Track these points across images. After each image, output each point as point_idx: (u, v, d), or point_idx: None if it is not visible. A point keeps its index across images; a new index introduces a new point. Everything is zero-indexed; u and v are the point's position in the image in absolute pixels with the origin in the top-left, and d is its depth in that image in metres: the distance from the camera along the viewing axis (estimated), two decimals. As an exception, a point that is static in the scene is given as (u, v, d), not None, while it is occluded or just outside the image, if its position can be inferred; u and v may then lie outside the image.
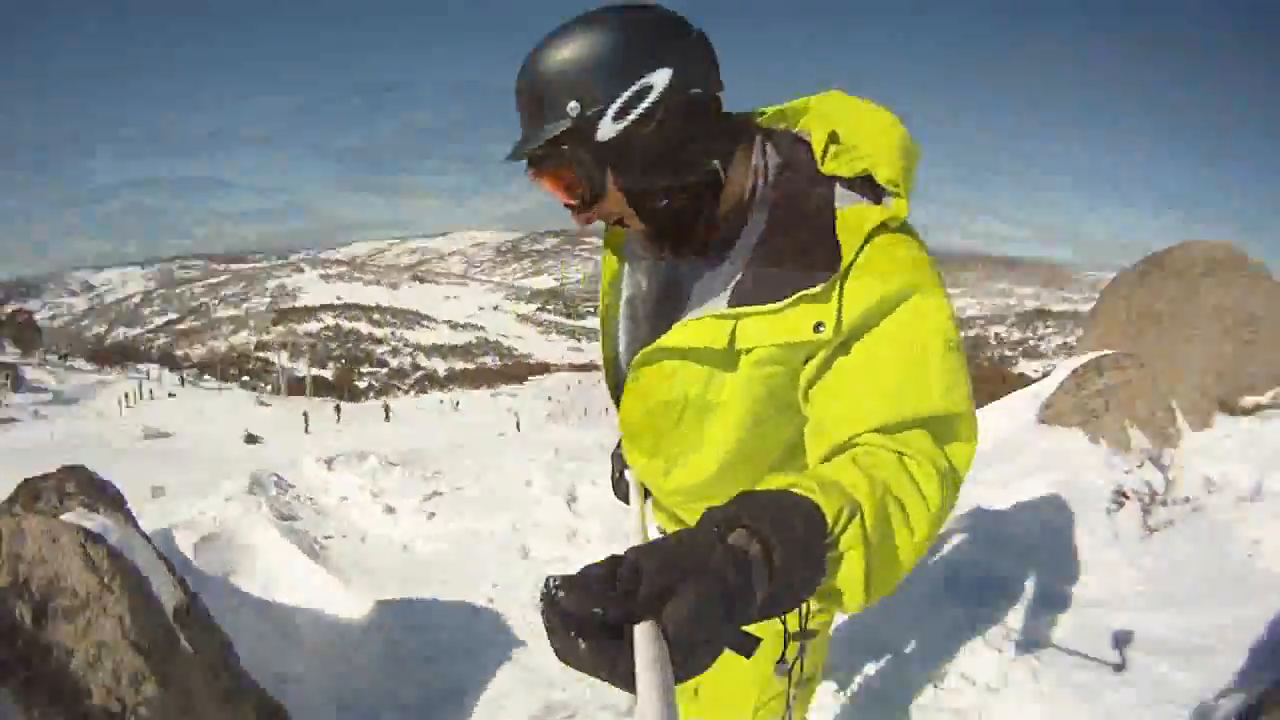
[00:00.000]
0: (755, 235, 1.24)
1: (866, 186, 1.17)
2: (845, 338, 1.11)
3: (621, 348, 1.52)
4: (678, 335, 1.26)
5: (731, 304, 1.21)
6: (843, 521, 0.81)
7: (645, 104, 1.15)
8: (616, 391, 1.52)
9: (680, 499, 1.53)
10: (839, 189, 1.19)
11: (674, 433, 1.36)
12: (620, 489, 1.55)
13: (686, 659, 0.62)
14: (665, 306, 1.38)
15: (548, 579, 0.64)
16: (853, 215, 1.14)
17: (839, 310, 1.10)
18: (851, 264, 1.10)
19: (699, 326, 1.23)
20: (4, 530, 2.23)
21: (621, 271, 1.52)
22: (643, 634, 0.62)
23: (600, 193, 1.22)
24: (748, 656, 0.72)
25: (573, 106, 1.14)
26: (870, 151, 1.16)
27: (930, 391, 1.06)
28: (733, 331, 1.18)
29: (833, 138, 1.21)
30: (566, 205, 1.27)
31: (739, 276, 1.23)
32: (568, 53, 1.14)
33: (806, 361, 1.16)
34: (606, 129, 1.15)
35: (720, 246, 1.28)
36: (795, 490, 0.81)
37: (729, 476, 1.37)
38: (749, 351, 1.20)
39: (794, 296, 1.11)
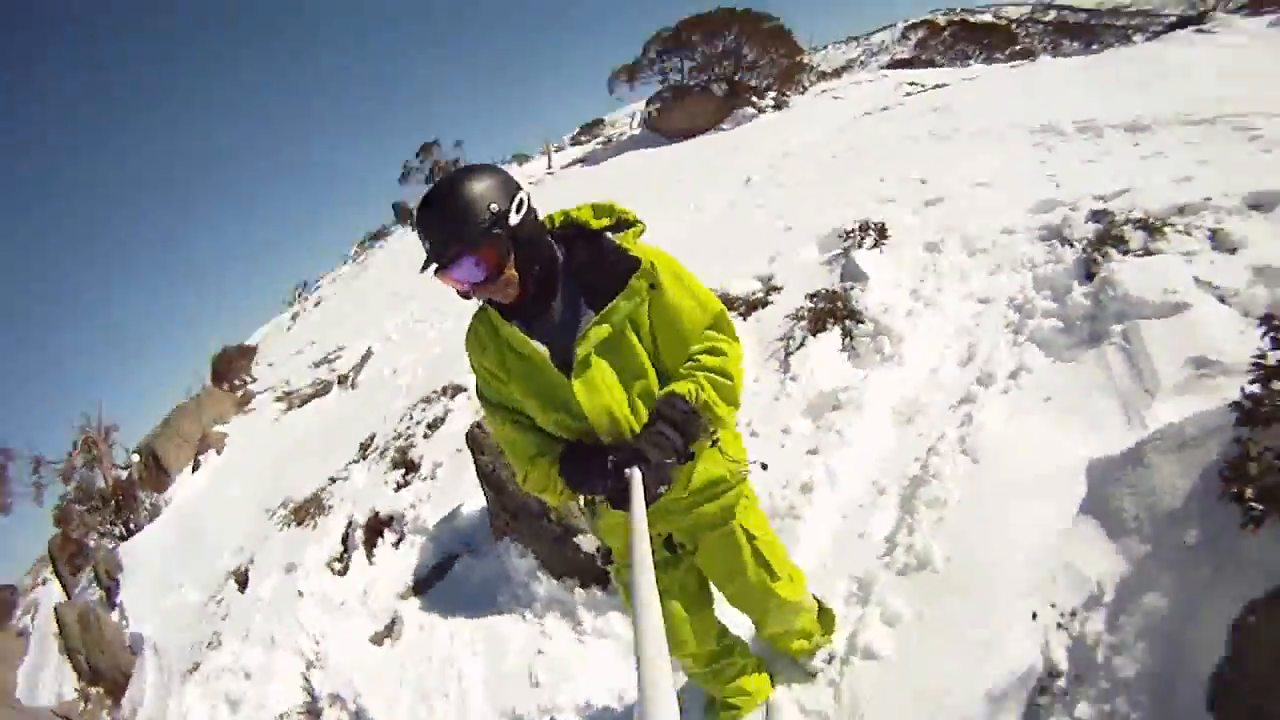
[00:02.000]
0: (576, 278, 2.15)
1: (616, 225, 2.17)
2: (654, 296, 2.07)
3: (551, 381, 2.18)
4: (589, 340, 2.06)
5: (598, 310, 2.07)
6: (695, 392, 2.00)
7: (525, 206, 2.02)
8: (565, 410, 2.18)
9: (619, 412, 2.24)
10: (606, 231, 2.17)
11: (626, 372, 2.12)
12: (618, 488, 1.88)
13: (654, 482, 1.88)
14: (557, 343, 2.12)
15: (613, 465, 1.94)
16: (625, 235, 2.13)
17: (653, 273, 2.05)
18: (642, 262, 2.05)
19: (597, 329, 2.05)
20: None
21: (499, 362, 2.21)
22: (634, 474, 1.83)
23: (505, 264, 2.00)
24: (670, 484, 1.98)
25: (491, 209, 1.93)
26: (619, 212, 2.18)
27: (704, 308, 2.14)
28: (610, 316, 2.05)
29: (596, 212, 2.19)
30: (476, 285, 2.02)
31: (583, 300, 2.12)
32: (473, 185, 1.95)
33: (638, 319, 2.09)
34: (513, 219, 1.98)
35: (554, 293, 2.15)
36: (673, 389, 2.03)
37: (637, 384, 2.16)
38: (623, 322, 2.06)
39: (632, 282, 2.03)
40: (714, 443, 2.22)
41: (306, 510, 8.96)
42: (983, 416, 3.99)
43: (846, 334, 5.29)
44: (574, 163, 28.42)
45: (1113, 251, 4.70)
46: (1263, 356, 2.33)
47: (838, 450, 4.26)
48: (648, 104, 27.97)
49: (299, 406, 15.50)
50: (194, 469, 15.61)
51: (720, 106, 25.22)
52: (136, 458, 17.69)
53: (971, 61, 22.74)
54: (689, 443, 1.94)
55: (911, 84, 19.74)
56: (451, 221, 1.94)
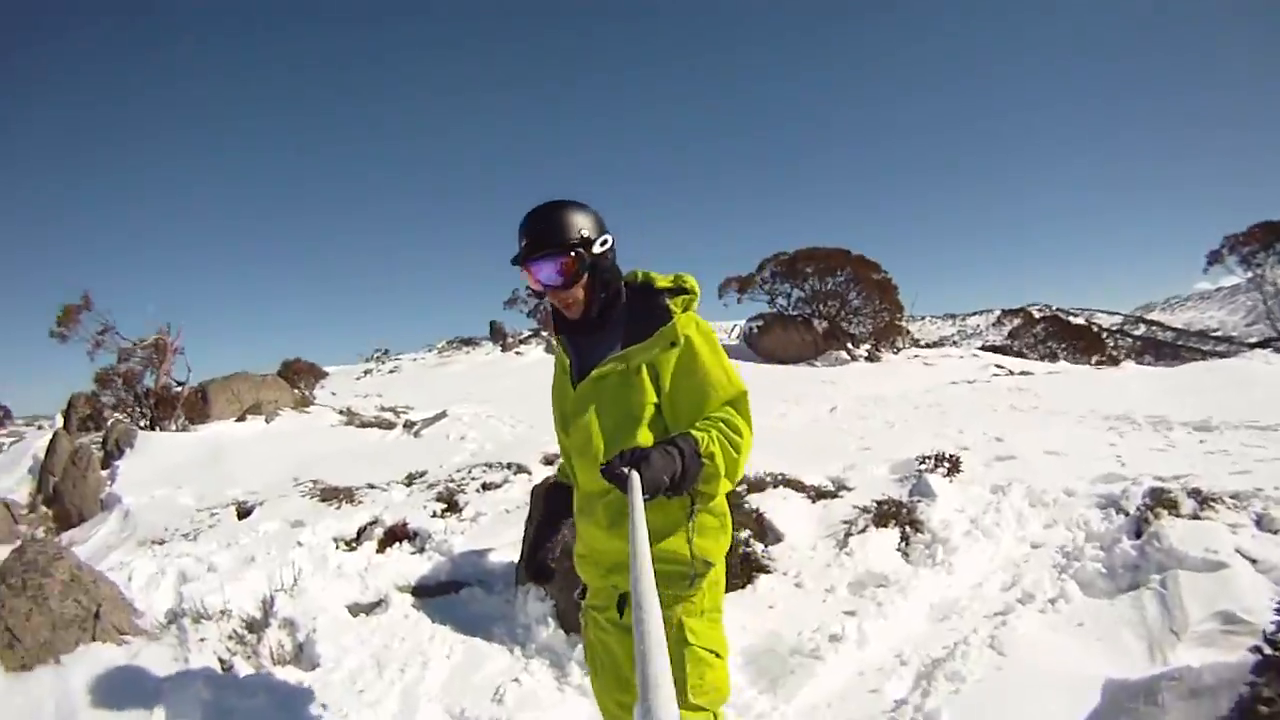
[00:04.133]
0: (624, 320, 2.36)
1: (677, 289, 2.37)
2: (681, 357, 2.22)
3: (566, 400, 2.48)
4: (603, 368, 2.30)
5: (624, 348, 2.29)
6: (706, 443, 1.99)
7: (608, 245, 2.33)
8: (563, 427, 2.50)
9: (593, 445, 2.37)
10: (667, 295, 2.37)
11: (608, 426, 2.30)
12: (617, 481, 1.86)
13: (648, 484, 1.78)
14: (583, 367, 2.40)
15: (619, 454, 1.87)
16: (676, 299, 2.32)
17: (677, 334, 2.22)
18: (678, 317, 2.26)
19: (612, 361, 2.29)
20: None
21: (563, 362, 2.52)
22: (632, 476, 1.76)
23: (579, 279, 2.29)
24: (670, 496, 1.95)
25: (581, 232, 2.27)
26: (686, 282, 2.38)
27: (728, 380, 2.23)
28: (628, 358, 2.26)
29: (668, 278, 2.40)
30: (550, 287, 2.31)
31: (621, 339, 2.32)
32: (574, 210, 2.29)
33: (660, 368, 2.23)
34: (595, 249, 2.29)
35: (606, 326, 2.38)
36: (688, 432, 2.04)
37: (625, 428, 2.28)
38: (638, 367, 2.24)
39: (655, 334, 2.24)
40: (691, 513, 2.21)
41: (336, 494, 8.98)
42: (1016, 623, 4.12)
43: (904, 537, 5.49)
44: None
45: (1164, 513, 4.94)
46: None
47: (872, 619, 4.36)
48: (750, 320, 28.88)
49: (357, 426, 15.60)
50: (237, 420, 15.84)
51: (816, 342, 25.95)
52: (186, 387, 18.24)
53: (1059, 359, 23.16)
54: (685, 477, 1.93)
55: (999, 366, 20.26)
56: (549, 227, 2.27)
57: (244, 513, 8.81)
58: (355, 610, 5.25)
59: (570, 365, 2.47)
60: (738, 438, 2.09)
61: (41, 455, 13.25)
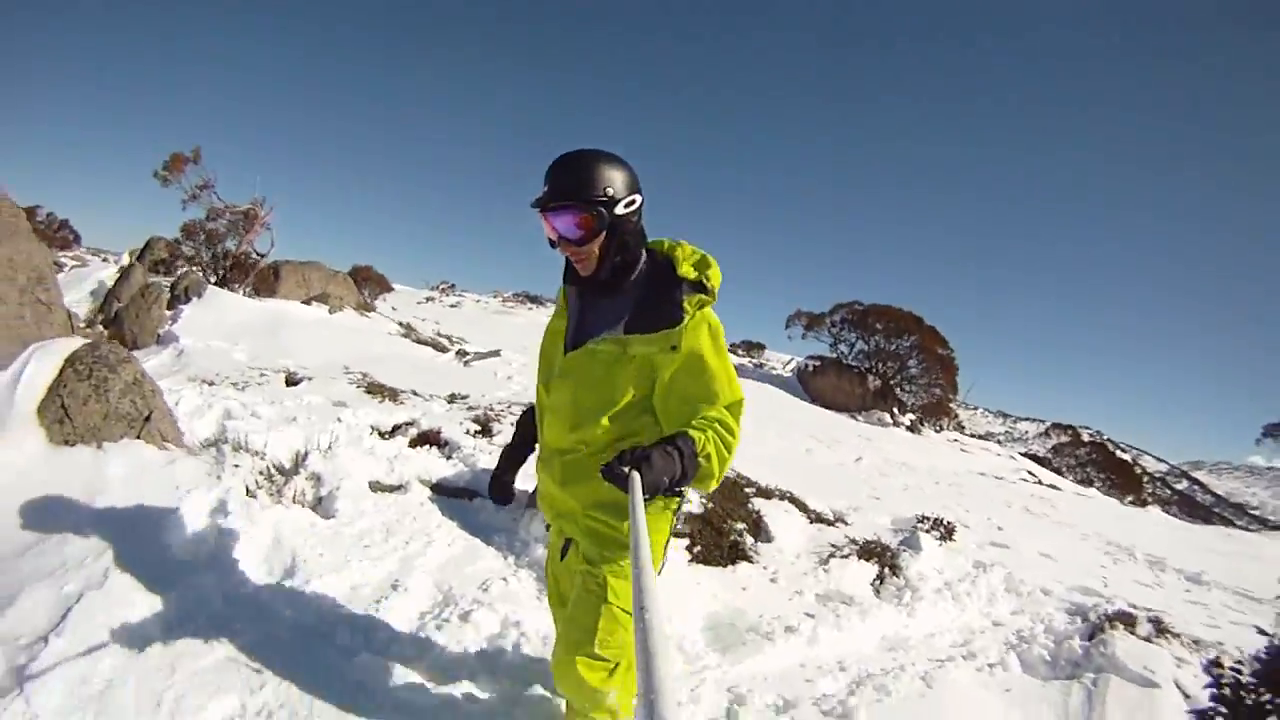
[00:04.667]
0: (635, 294, 2.34)
1: (698, 284, 2.30)
2: (683, 359, 2.21)
3: (556, 358, 2.52)
4: (598, 345, 2.32)
5: (627, 330, 2.29)
6: (703, 443, 2.01)
7: (633, 207, 2.28)
8: (549, 383, 2.52)
9: (576, 445, 2.44)
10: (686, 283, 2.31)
11: (587, 400, 2.36)
12: (617, 480, 1.86)
13: (648, 485, 1.80)
14: (581, 329, 2.43)
15: (619, 455, 1.88)
16: (693, 298, 2.27)
17: (680, 339, 2.21)
18: (687, 321, 2.22)
19: (610, 341, 2.30)
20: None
21: (563, 310, 2.57)
22: (633, 477, 1.79)
23: (596, 237, 2.25)
24: (669, 494, 2.19)
25: (607, 190, 2.20)
26: (709, 275, 2.31)
27: (729, 387, 2.25)
28: (626, 345, 2.27)
29: (691, 262, 2.33)
30: (566, 238, 2.26)
31: (627, 316, 2.31)
32: (606, 165, 2.22)
33: (656, 368, 2.26)
34: (619, 209, 2.24)
35: (616, 292, 2.36)
36: (685, 431, 2.04)
37: (613, 423, 2.36)
38: (634, 356, 2.27)
39: (660, 332, 2.22)
40: (678, 494, 2.41)
41: (381, 390, 9.41)
42: (953, 670, 4.45)
43: (880, 576, 5.83)
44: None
45: (1121, 627, 5.21)
46: None
47: (828, 627, 4.68)
48: (808, 358, 29.00)
49: (413, 340, 15.94)
50: (303, 303, 16.31)
51: (865, 397, 26.05)
52: (265, 260, 18.85)
53: (1093, 485, 23.06)
54: (683, 478, 1.95)
55: (1031, 473, 20.28)
56: (575, 179, 2.21)
57: (292, 382, 9.27)
58: (376, 488, 5.54)
59: (569, 324, 2.52)
60: (731, 439, 2.14)
61: (108, 283, 13.75)
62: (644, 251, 2.39)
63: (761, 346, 38.68)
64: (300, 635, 3.52)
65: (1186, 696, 4.48)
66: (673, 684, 0.97)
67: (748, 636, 4.34)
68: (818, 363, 28.23)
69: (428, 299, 32.55)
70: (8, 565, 3.53)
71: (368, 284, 24.62)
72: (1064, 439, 31.84)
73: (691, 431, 2.03)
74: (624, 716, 2.55)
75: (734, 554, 5.47)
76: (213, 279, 17.36)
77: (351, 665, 3.33)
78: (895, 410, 26.15)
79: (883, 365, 27.92)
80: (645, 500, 1.72)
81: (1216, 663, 4.06)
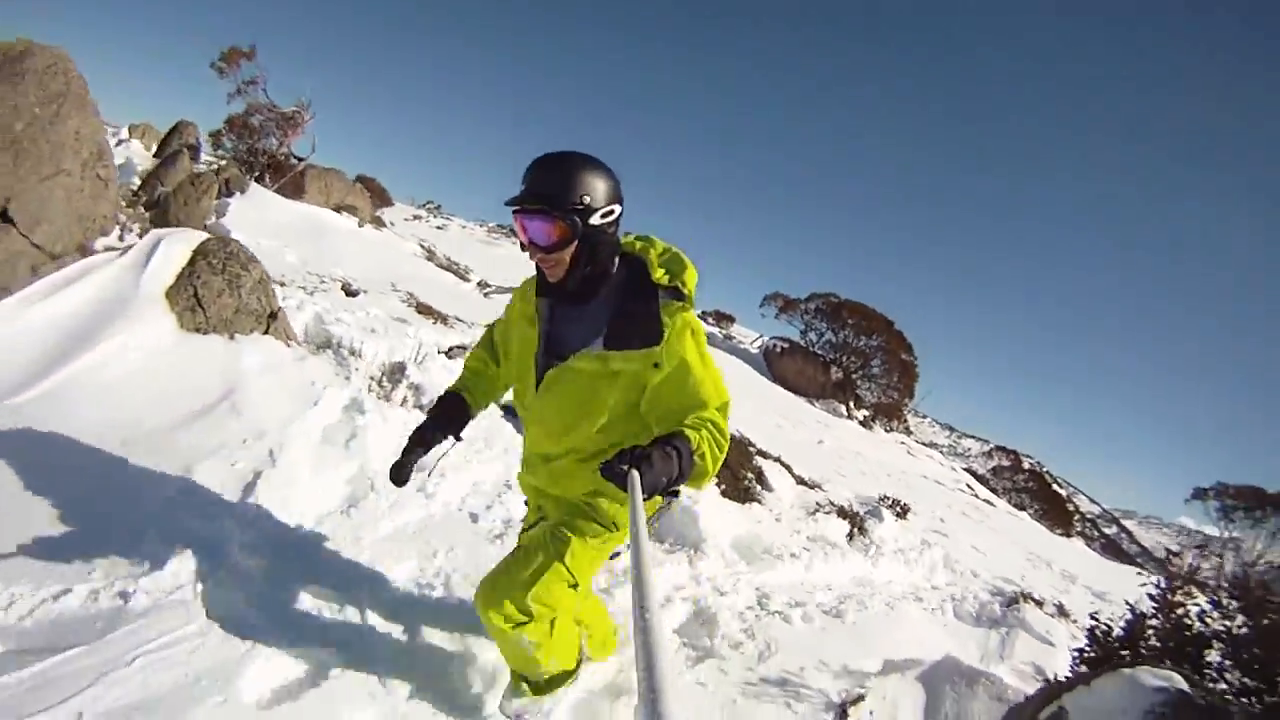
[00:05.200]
0: (610, 304, 2.38)
1: (673, 290, 2.38)
2: (668, 373, 2.27)
3: (534, 370, 2.55)
4: (579, 361, 2.38)
5: (606, 346, 2.33)
6: (698, 442, 2.04)
7: (610, 218, 2.29)
8: (526, 395, 2.60)
9: (565, 453, 2.56)
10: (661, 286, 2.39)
11: (572, 414, 2.44)
12: (616, 479, 1.87)
13: (648, 486, 1.80)
14: (556, 340, 2.49)
15: (619, 454, 1.89)
16: (670, 307, 2.34)
17: (664, 356, 2.27)
18: (668, 335, 2.28)
19: (590, 358, 2.35)
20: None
21: (532, 318, 2.56)
22: (633, 476, 1.79)
23: (567, 245, 2.25)
24: (667, 495, 2.28)
25: (584, 199, 2.21)
26: (684, 280, 2.40)
27: (716, 391, 2.30)
28: (608, 361, 2.32)
29: (664, 265, 2.41)
30: (536, 245, 2.28)
31: (605, 330, 2.35)
32: (585, 172, 2.22)
33: (645, 379, 2.31)
34: (594, 219, 2.24)
35: (589, 300, 2.40)
36: (682, 430, 2.06)
37: (601, 434, 2.45)
38: (617, 372, 2.33)
39: (643, 350, 2.28)
40: (674, 494, 2.35)
41: (430, 311, 9.91)
42: (906, 604, 6.12)
43: (851, 533, 7.47)
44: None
45: (1032, 603, 7.00)
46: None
47: (818, 559, 6.25)
48: (776, 339, 30.49)
49: (436, 265, 16.53)
50: (335, 210, 16.65)
51: (825, 386, 27.56)
52: (305, 162, 19.30)
53: (1025, 513, 24.93)
54: (680, 477, 1.96)
55: (970, 486, 22.20)
56: (553, 184, 2.20)
57: (350, 293, 9.49)
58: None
59: (540, 330, 2.55)
60: (722, 440, 2.17)
61: (135, 161, 13.42)
62: (615, 260, 2.43)
63: (731, 319, 39.73)
64: (450, 517, 4.48)
65: (1073, 649, 6.23)
66: (673, 684, 0.97)
67: (763, 556, 5.88)
68: (785, 345, 29.66)
69: (415, 217, 33.05)
70: (165, 439, 4.09)
71: (371, 196, 25.28)
72: (1005, 462, 33.58)
73: (687, 431, 2.06)
74: (542, 665, 2.75)
75: (747, 496, 7.03)
76: (250, 177, 17.18)
77: (497, 543, 4.35)
78: (851, 404, 27.77)
79: (847, 359, 29.46)
80: (644, 499, 1.73)
81: (1095, 627, 5.72)
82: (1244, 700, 3.75)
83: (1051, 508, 29.00)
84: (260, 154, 19.34)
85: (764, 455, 8.69)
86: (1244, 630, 4.31)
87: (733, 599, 4.88)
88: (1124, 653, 4.69)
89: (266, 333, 5.64)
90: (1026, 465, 34.82)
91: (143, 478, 3.77)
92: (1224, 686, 3.92)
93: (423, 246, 18.42)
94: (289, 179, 18.12)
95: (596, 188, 2.24)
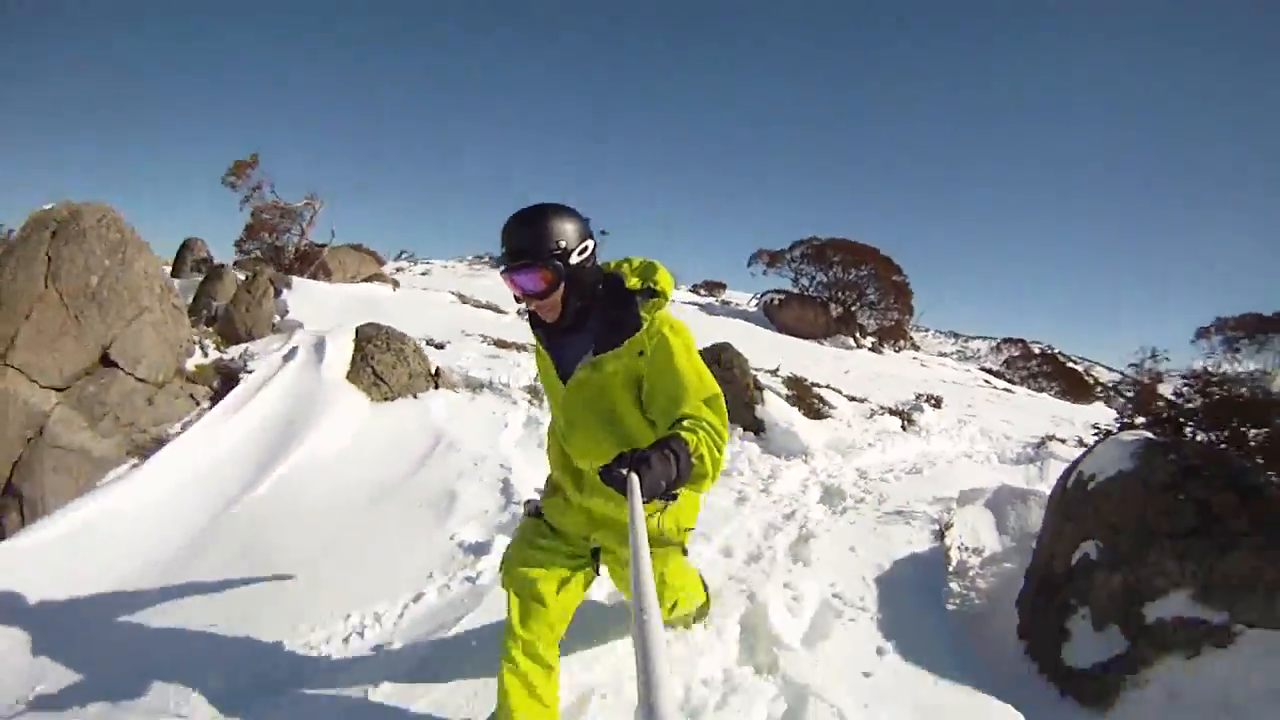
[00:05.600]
0: (599, 320, 2.61)
1: (647, 290, 2.61)
2: (653, 359, 2.48)
3: (556, 392, 2.82)
4: (580, 373, 2.63)
5: (595, 353, 2.57)
6: (696, 444, 2.13)
7: (587, 254, 2.52)
8: (559, 420, 2.86)
9: (581, 441, 2.78)
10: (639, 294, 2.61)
11: (594, 425, 2.67)
12: (615, 483, 1.90)
13: (647, 489, 1.82)
14: (562, 364, 2.74)
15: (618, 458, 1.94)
16: (647, 304, 2.57)
17: (645, 342, 2.49)
18: (646, 324, 2.52)
19: (588, 367, 2.60)
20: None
21: (543, 353, 2.81)
22: (632, 479, 1.83)
23: (556, 289, 2.49)
24: (666, 498, 2.04)
25: (560, 244, 2.43)
26: (656, 280, 2.64)
27: (702, 381, 2.45)
28: (602, 365, 2.56)
29: (638, 273, 2.67)
30: (529, 294, 2.51)
31: (594, 342, 2.59)
32: (555, 219, 2.45)
33: (638, 372, 2.54)
34: (574, 259, 2.47)
35: (580, 328, 2.63)
36: (679, 434, 2.14)
37: (630, 436, 2.63)
38: (614, 372, 2.55)
39: (626, 343, 2.50)
40: (672, 498, 2.25)
41: (508, 345, 11.09)
42: (961, 460, 8.34)
43: (903, 425, 9.62)
44: (691, 303, 32.13)
45: (1058, 441, 9.22)
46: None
47: (887, 445, 8.43)
48: (772, 292, 31.90)
49: (472, 306, 17.51)
50: (364, 281, 18.03)
51: (828, 324, 28.77)
52: (328, 247, 20.43)
53: (1045, 394, 26.07)
54: (679, 479, 2.02)
55: (986, 381, 24.13)
56: (530, 239, 2.43)
57: (436, 345, 10.12)
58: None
59: (553, 363, 2.77)
60: (720, 440, 2.28)
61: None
62: (599, 285, 2.64)
63: (722, 285, 40.46)
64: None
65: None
66: (671, 685, 1.02)
67: (850, 449, 8.00)
68: (781, 295, 31.02)
69: (398, 269, 33.74)
70: (405, 484, 5.33)
71: (363, 257, 26.06)
72: (1015, 353, 34.07)
73: (684, 434, 2.13)
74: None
75: (820, 414, 9.18)
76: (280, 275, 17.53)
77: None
78: (857, 335, 29.00)
79: (842, 294, 30.85)
80: (644, 502, 1.80)
81: (1098, 428, 7.74)
82: (1197, 440, 5.82)
83: (1070, 384, 29.12)
84: (282, 250, 20.67)
85: (817, 385, 10.87)
86: (1198, 406, 6.38)
87: (844, 477, 7.03)
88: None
89: (437, 388, 7.15)
90: (1037, 350, 35.34)
91: (414, 511, 5.18)
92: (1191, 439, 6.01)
93: (453, 294, 19.43)
94: (317, 266, 19.24)
95: (568, 231, 2.47)
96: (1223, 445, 5.68)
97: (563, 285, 2.49)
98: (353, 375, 6.85)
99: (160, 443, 6.03)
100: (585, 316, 2.61)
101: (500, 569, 2.97)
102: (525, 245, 2.43)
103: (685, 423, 2.24)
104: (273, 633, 3.88)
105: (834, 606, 4.33)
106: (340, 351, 7.16)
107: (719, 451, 2.25)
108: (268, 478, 5.55)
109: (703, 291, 39.50)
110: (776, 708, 3.27)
